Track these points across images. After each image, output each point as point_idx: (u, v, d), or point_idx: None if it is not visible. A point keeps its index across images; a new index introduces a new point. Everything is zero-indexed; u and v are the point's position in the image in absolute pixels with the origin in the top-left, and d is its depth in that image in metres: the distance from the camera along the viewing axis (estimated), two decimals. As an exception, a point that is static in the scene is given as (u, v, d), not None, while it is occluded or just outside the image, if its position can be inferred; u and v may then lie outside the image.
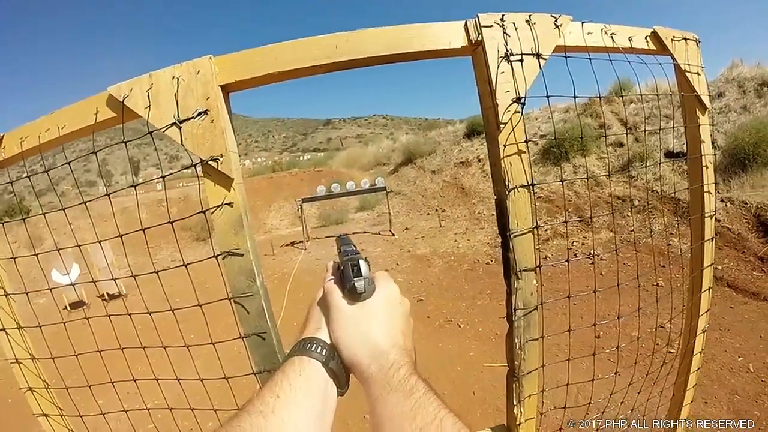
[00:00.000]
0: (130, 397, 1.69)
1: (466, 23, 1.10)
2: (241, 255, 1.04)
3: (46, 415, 1.49)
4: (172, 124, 0.99)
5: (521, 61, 1.10)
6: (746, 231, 7.16)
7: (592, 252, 7.87)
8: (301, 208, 13.32)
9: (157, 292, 1.46)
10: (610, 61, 1.34)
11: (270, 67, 1.03)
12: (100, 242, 1.31)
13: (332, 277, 0.86)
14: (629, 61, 1.37)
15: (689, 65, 1.50)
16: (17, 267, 1.47)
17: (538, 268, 1.21)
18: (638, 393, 1.98)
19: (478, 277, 8.24)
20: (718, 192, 8.01)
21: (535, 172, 11.82)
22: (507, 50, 1.09)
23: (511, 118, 1.10)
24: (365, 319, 0.76)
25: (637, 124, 11.58)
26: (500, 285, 1.25)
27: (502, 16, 1.10)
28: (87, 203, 1.27)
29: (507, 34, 1.09)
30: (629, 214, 8.99)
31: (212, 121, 0.98)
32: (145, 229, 1.20)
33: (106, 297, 9.76)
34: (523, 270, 1.18)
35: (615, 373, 1.91)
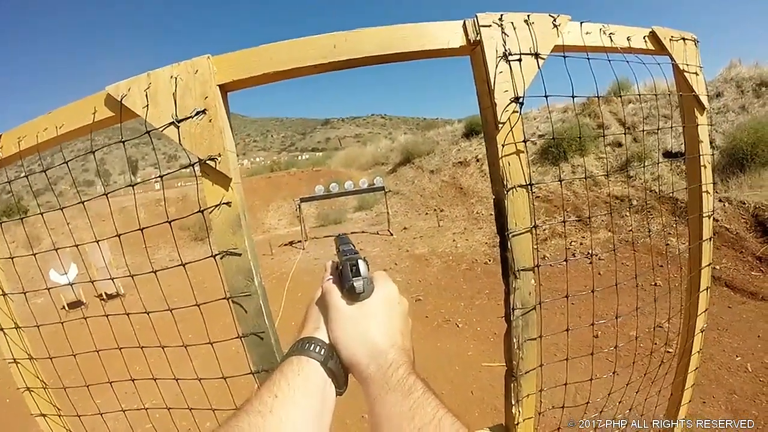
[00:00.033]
0: (128, 396, 1.69)
1: (464, 23, 1.10)
2: (239, 254, 1.04)
3: (44, 415, 1.49)
4: (171, 124, 0.99)
5: (520, 60, 1.10)
6: (744, 231, 7.17)
7: (590, 252, 7.87)
8: (299, 207, 13.31)
9: (155, 292, 1.46)
10: (609, 61, 1.34)
11: (268, 67, 1.03)
12: (98, 242, 1.31)
13: (331, 276, 0.86)
14: (628, 61, 1.37)
15: (687, 65, 1.50)
16: (15, 267, 1.46)
17: (536, 268, 1.21)
18: (636, 392, 1.99)
19: (477, 277, 8.24)
20: (717, 192, 8.02)
21: (533, 171, 11.85)
22: (505, 50, 1.09)
23: (509, 118, 1.10)
24: (364, 318, 0.76)
25: (635, 124, 11.59)
26: (498, 285, 1.25)
27: (501, 15, 1.10)
28: (85, 203, 1.27)
29: (505, 34, 1.09)
30: (627, 213, 9.01)
31: (210, 121, 0.98)
32: (143, 228, 1.20)
33: (104, 297, 9.75)
34: (522, 269, 1.18)
35: (613, 373, 1.91)
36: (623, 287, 5.18)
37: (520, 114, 1.12)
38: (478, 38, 1.08)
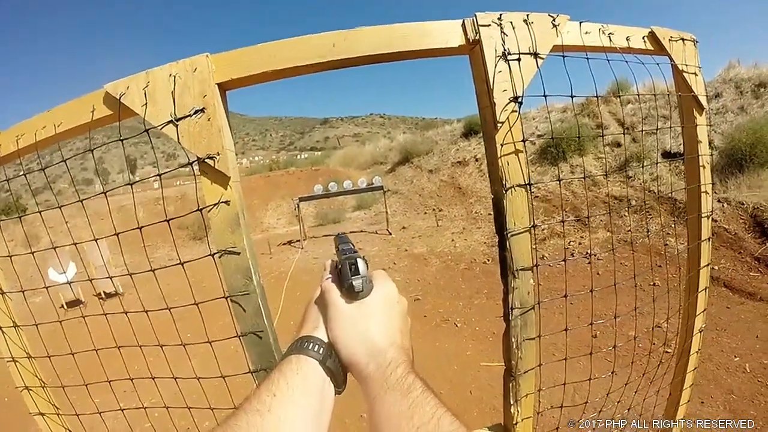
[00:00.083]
0: (126, 395, 1.70)
1: (463, 22, 1.10)
2: (238, 253, 1.04)
3: (42, 414, 1.49)
4: (169, 122, 0.99)
5: (519, 60, 1.10)
6: (743, 231, 7.18)
7: (589, 252, 7.87)
8: (298, 207, 13.30)
9: (154, 291, 1.46)
10: (608, 60, 1.34)
11: (267, 65, 1.03)
12: (96, 240, 1.31)
13: (330, 276, 0.86)
14: (627, 61, 1.37)
15: (686, 65, 1.50)
16: (13, 265, 1.46)
17: (535, 268, 1.21)
18: (635, 392, 1.99)
19: (475, 277, 8.24)
20: (715, 192, 8.03)
21: (532, 171, 11.85)
22: (504, 49, 1.09)
23: (508, 118, 1.10)
24: (363, 317, 0.76)
25: (634, 125, 11.60)
26: (497, 284, 1.25)
27: (500, 15, 1.10)
28: (83, 201, 1.27)
29: (504, 34, 1.09)
30: (626, 214, 9.01)
31: (209, 119, 0.98)
32: (142, 227, 1.20)
33: (103, 296, 9.75)
34: (520, 269, 1.18)
35: (612, 373, 1.92)
36: (622, 287, 5.18)
37: (519, 114, 1.12)
38: (477, 38, 1.08)
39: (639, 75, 1.41)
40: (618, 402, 2.02)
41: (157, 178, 1.19)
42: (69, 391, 1.54)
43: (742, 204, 7.62)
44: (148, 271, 1.29)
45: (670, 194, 8.40)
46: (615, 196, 9.73)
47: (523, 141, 1.14)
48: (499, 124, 1.09)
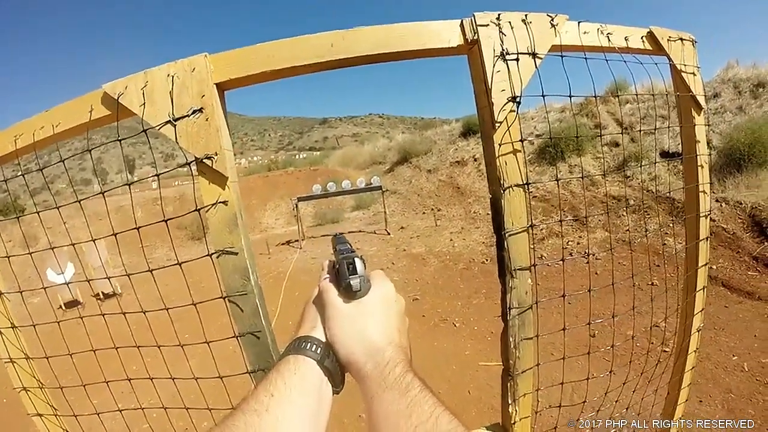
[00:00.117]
0: (124, 396, 1.69)
1: (462, 22, 1.10)
2: (236, 253, 1.04)
3: (40, 415, 1.48)
4: (167, 122, 0.99)
5: (517, 60, 1.10)
6: (741, 231, 7.19)
7: (587, 251, 7.88)
8: (296, 207, 13.29)
9: (152, 292, 1.46)
10: (606, 60, 1.35)
11: (265, 65, 1.03)
12: (94, 240, 1.31)
13: (328, 275, 0.85)
14: (625, 61, 1.37)
15: (685, 65, 1.50)
16: (11, 266, 1.46)
17: (532, 267, 1.21)
18: (633, 392, 1.99)
19: (474, 276, 8.25)
20: (713, 192, 8.04)
21: (530, 171, 11.86)
22: (503, 49, 1.09)
23: (506, 117, 1.10)
24: (361, 317, 0.76)
25: (632, 124, 11.61)
26: (496, 284, 1.25)
27: (498, 15, 1.10)
28: (81, 201, 1.27)
29: (503, 33, 1.09)
30: (624, 213, 9.02)
31: (207, 119, 0.98)
32: (140, 227, 1.20)
33: (101, 296, 9.74)
34: (518, 269, 1.18)
35: (610, 372, 1.92)
36: (620, 287, 5.19)
37: (517, 113, 1.12)
38: (475, 37, 1.08)
39: (637, 75, 1.41)
40: (616, 401, 2.03)
41: (156, 178, 1.19)
42: (67, 392, 1.54)
43: (741, 204, 7.63)
44: (146, 271, 1.29)
45: (668, 194, 8.41)
46: (613, 195, 9.74)
47: (521, 141, 1.14)
48: (497, 124, 1.09)
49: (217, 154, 0.98)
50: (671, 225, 7.83)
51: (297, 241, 13.36)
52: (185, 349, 1.42)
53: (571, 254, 8.14)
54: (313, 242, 13.42)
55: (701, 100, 1.57)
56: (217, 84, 1.01)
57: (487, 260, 8.79)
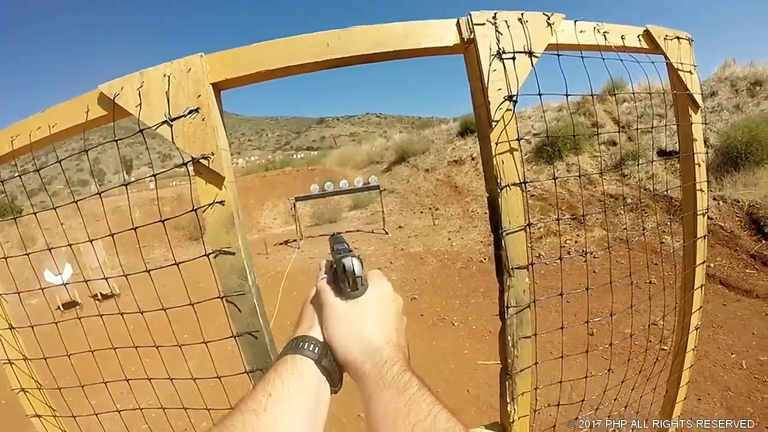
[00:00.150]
0: (123, 397, 1.69)
1: (458, 21, 1.10)
2: (233, 253, 1.03)
3: (39, 416, 1.48)
4: (163, 122, 0.98)
5: (513, 59, 1.10)
6: (738, 229, 7.20)
7: (585, 250, 7.89)
8: (294, 206, 13.28)
9: (150, 292, 1.46)
10: (603, 59, 1.35)
11: (261, 65, 1.02)
12: (91, 241, 1.30)
13: (325, 275, 0.85)
14: (622, 60, 1.37)
15: (682, 64, 1.50)
16: (9, 267, 1.46)
17: (530, 266, 1.22)
18: (632, 390, 1.99)
19: (472, 276, 8.25)
20: (711, 190, 8.06)
21: (528, 170, 11.87)
22: (499, 48, 1.09)
23: (503, 116, 1.10)
24: (358, 316, 0.76)
25: (629, 123, 11.63)
26: (494, 283, 1.25)
27: (495, 14, 1.10)
28: (78, 202, 1.27)
29: (499, 32, 1.09)
30: (622, 212, 9.04)
31: (203, 119, 0.98)
32: (137, 227, 1.19)
33: (99, 297, 9.73)
34: (516, 267, 1.18)
35: (608, 370, 1.92)
36: (618, 285, 5.19)
37: (514, 112, 1.12)
38: (471, 36, 1.08)
39: (634, 74, 1.41)
40: (615, 399, 2.03)
41: (153, 178, 1.19)
42: (65, 393, 1.54)
43: (738, 202, 7.65)
44: (144, 271, 1.29)
45: (665, 192, 8.43)
46: (611, 194, 9.76)
47: (518, 139, 1.14)
48: (493, 123, 1.09)
49: (213, 154, 0.98)
50: (669, 223, 7.85)
51: (295, 240, 13.35)
52: (184, 349, 1.42)
53: (569, 253, 8.16)
54: (311, 242, 13.42)
55: (698, 98, 1.57)
56: (213, 84, 1.01)
57: (485, 259, 8.79)
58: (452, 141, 18.19)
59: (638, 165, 9.45)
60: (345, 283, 0.78)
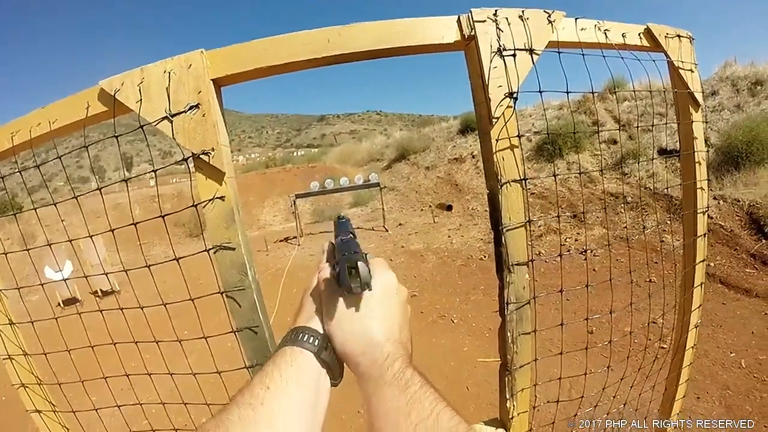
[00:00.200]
0: (123, 393, 1.69)
1: (459, 18, 1.10)
2: (233, 249, 1.03)
3: (38, 411, 1.48)
4: (164, 118, 0.98)
5: (514, 56, 1.10)
6: (739, 228, 7.20)
7: (585, 248, 7.89)
8: (294, 203, 13.28)
9: (150, 289, 1.46)
10: (603, 57, 1.35)
11: (261, 61, 1.02)
12: (92, 237, 1.31)
13: (327, 264, 0.84)
14: (623, 57, 1.37)
15: (682, 62, 1.50)
16: (9, 263, 1.46)
17: (530, 263, 1.22)
18: (630, 387, 2.00)
19: (472, 273, 8.26)
20: (711, 190, 8.05)
21: (529, 168, 11.87)
22: (500, 45, 1.09)
23: (503, 113, 1.10)
24: (360, 311, 0.74)
25: (630, 122, 11.62)
26: (494, 280, 1.25)
27: (495, 11, 1.10)
28: (78, 197, 1.27)
29: (500, 29, 1.09)
30: (622, 210, 9.03)
31: (204, 115, 0.98)
32: (137, 223, 1.19)
33: (99, 294, 9.75)
34: (516, 264, 1.18)
35: (608, 368, 1.92)
36: (618, 283, 5.19)
37: (514, 109, 1.12)
38: (472, 33, 1.08)
39: (635, 73, 1.41)
40: (614, 397, 2.03)
41: (152, 173, 1.19)
42: (66, 389, 1.54)
43: (738, 201, 7.64)
44: (144, 267, 1.28)
45: (665, 190, 8.42)
46: (611, 192, 9.76)
47: (519, 136, 1.14)
48: (494, 120, 1.09)
49: (213, 150, 0.98)
50: (669, 222, 7.85)
51: (295, 237, 13.36)
52: (184, 345, 1.42)
53: (569, 251, 8.15)
54: (311, 239, 13.42)
55: (699, 96, 1.57)
56: (213, 80, 1.01)
57: (485, 257, 8.80)
58: (453, 139, 18.18)
59: (638, 162, 9.45)
60: (348, 286, 0.72)
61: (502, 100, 1.09)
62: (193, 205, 1.05)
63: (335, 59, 1.07)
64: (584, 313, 1.78)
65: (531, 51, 1.12)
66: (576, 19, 1.24)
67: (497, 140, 1.11)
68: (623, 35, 1.36)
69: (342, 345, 0.72)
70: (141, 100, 1.00)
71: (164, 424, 1.72)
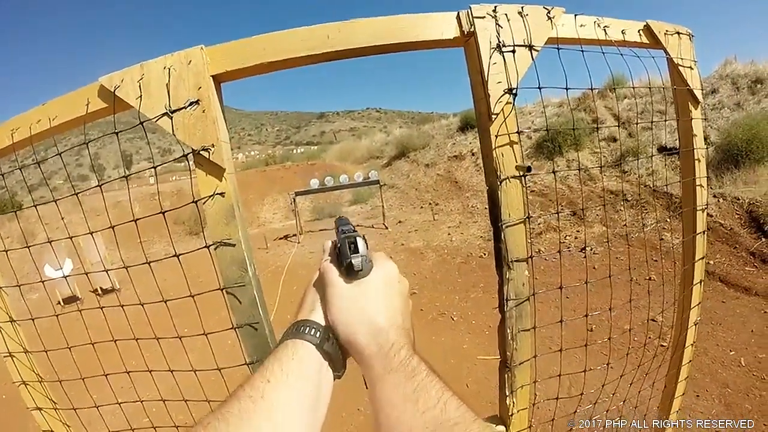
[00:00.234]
0: (124, 392, 1.69)
1: (458, 14, 1.10)
2: (233, 245, 1.03)
3: (39, 409, 1.48)
4: (164, 114, 0.98)
5: (513, 52, 1.10)
6: (738, 226, 7.20)
7: (584, 246, 7.89)
8: (294, 201, 13.29)
9: (151, 286, 1.46)
10: (603, 53, 1.34)
11: (261, 58, 1.02)
12: (92, 234, 1.31)
13: (329, 257, 0.84)
14: (622, 54, 1.37)
15: (682, 59, 1.50)
16: (10, 262, 1.46)
17: (530, 259, 1.22)
18: (630, 385, 2.00)
19: (472, 270, 8.26)
20: (711, 188, 8.06)
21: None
22: (499, 41, 1.09)
23: (503, 109, 1.10)
24: (363, 297, 0.74)
25: (630, 119, 11.62)
26: (493, 278, 1.25)
27: (495, 7, 1.10)
28: (78, 195, 1.27)
29: (499, 26, 1.09)
30: (622, 208, 9.04)
31: (204, 111, 0.98)
32: (137, 219, 1.19)
33: (100, 292, 9.76)
34: (515, 260, 1.18)
35: (607, 365, 1.92)
36: (617, 281, 5.20)
37: (514, 105, 1.12)
38: (471, 29, 1.08)
39: (635, 70, 1.41)
40: (613, 394, 2.03)
41: (153, 170, 1.19)
42: (67, 388, 1.54)
43: (738, 199, 7.64)
44: (144, 263, 1.29)
45: (665, 187, 8.43)
46: (611, 190, 9.76)
47: (518, 132, 1.14)
48: (493, 116, 1.09)
49: (213, 146, 0.98)
50: (668, 220, 7.85)
51: (295, 235, 13.37)
52: (184, 343, 1.42)
53: (568, 248, 8.16)
54: (311, 236, 13.43)
55: (698, 94, 1.57)
56: (213, 76, 1.01)
57: (485, 254, 8.80)
58: (452, 136, 18.20)
59: (638, 160, 9.46)
60: (349, 262, 0.75)
61: (501, 96, 1.09)
62: (193, 202, 1.05)
63: (335, 55, 1.07)
64: (584, 311, 1.78)
65: (530, 47, 1.12)
66: (575, 15, 1.24)
67: (496, 136, 1.11)
68: (623, 32, 1.35)
69: (346, 332, 0.72)
70: (141, 96, 0.99)
71: (165, 422, 1.73)
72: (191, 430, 0.57)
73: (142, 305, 1.34)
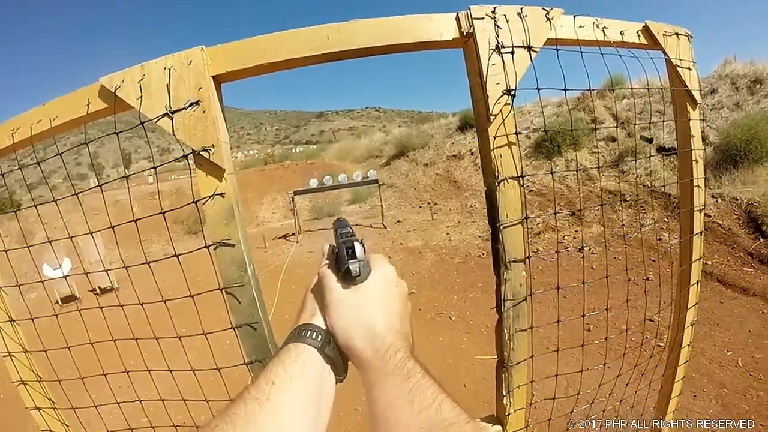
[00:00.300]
0: (123, 391, 1.69)
1: (457, 15, 1.10)
2: (233, 245, 1.04)
3: (38, 408, 1.49)
4: (164, 115, 0.99)
5: (512, 53, 1.10)
6: (737, 227, 7.21)
7: (582, 246, 7.90)
8: (293, 200, 13.28)
9: (150, 286, 1.46)
10: (602, 54, 1.35)
11: (261, 58, 1.03)
12: (92, 233, 1.31)
13: (327, 261, 0.85)
14: (621, 55, 1.38)
15: (680, 60, 1.51)
16: (9, 261, 1.46)
17: (527, 260, 1.22)
18: (626, 384, 2.00)
19: (470, 270, 8.27)
20: (709, 188, 8.07)
21: (527, 165, 11.87)
22: (498, 42, 1.09)
23: (501, 110, 1.10)
24: (360, 302, 0.75)
25: (629, 119, 11.63)
26: (492, 278, 1.26)
27: (494, 8, 1.10)
28: (78, 194, 1.27)
29: (498, 27, 1.09)
30: (620, 208, 9.05)
31: (204, 112, 0.98)
32: (137, 219, 1.20)
33: (98, 291, 9.75)
34: (513, 261, 1.19)
35: (604, 365, 1.93)
36: (615, 281, 5.22)
37: (512, 106, 1.12)
38: (470, 30, 1.09)
39: (634, 71, 1.41)
40: (610, 394, 2.03)
41: (153, 170, 1.19)
42: (66, 387, 1.54)
43: (736, 200, 7.65)
44: (144, 263, 1.29)
45: (663, 188, 8.44)
46: (609, 190, 9.77)
47: (516, 133, 1.14)
48: (492, 117, 1.10)
49: (214, 146, 0.98)
50: (666, 220, 7.86)
51: (293, 234, 13.37)
52: (183, 343, 1.42)
53: (566, 248, 8.17)
54: (310, 236, 13.43)
55: (696, 94, 1.58)
56: (213, 76, 1.01)
57: (483, 254, 8.81)
58: (451, 136, 18.20)
59: (636, 160, 9.48)
60: (346, 268, 0.76)
61: (500, 97, 1.09)
62: (193, 202, 1.06)
63: (334, 56, 1.07)
64: (581, 311, 1.78)
65: (529, 48, 1.12)
66: (574, 16, 1.24)
67: (495, 137, 1.12)
68: (621, 33, 1.36)
69: (344, 337, 0.73)
70: (141, 96, 1.00)
71: (164, 421, 1.73)
72: (199, 431, 0.58)
73: (141, 305, 1.35)
